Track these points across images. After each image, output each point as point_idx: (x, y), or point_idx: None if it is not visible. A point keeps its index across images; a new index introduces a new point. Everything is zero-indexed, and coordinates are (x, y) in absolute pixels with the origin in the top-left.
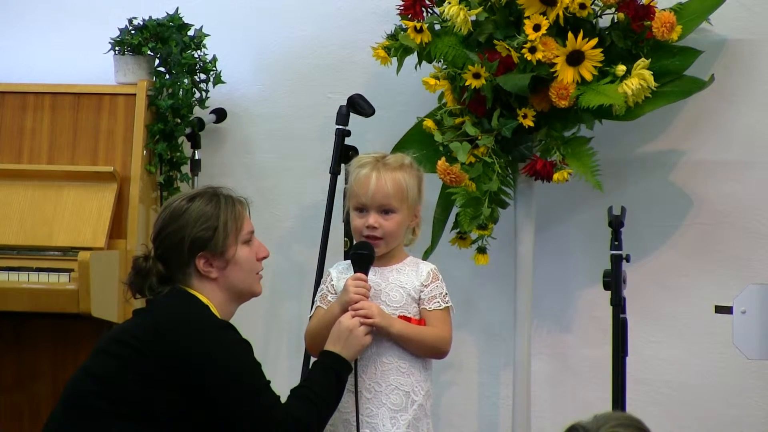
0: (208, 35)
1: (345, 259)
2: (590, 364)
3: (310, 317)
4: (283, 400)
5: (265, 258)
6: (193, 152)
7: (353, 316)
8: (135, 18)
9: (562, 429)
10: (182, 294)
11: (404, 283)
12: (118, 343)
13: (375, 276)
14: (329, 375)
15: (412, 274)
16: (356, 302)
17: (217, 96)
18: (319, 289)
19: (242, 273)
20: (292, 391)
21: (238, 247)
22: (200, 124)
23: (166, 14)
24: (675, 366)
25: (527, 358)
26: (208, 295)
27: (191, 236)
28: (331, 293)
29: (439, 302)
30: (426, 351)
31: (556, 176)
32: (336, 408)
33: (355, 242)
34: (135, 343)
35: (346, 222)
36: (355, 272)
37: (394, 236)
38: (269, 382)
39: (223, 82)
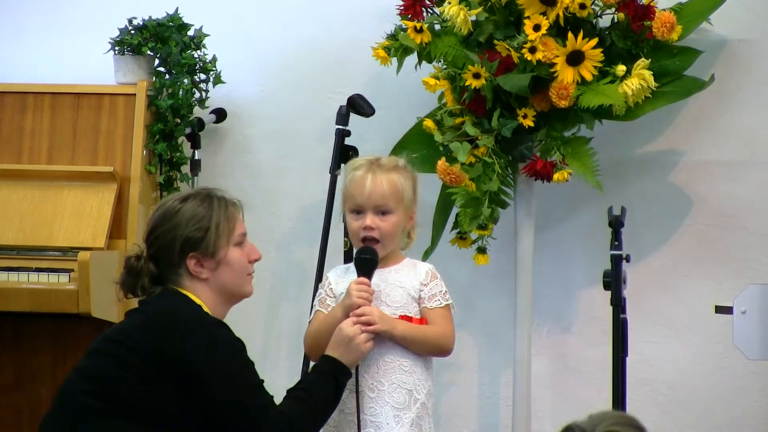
0: (208, 35)
1: (345, 259)
2: (590, 364)
3: (310, 321)
4: (280, 400)
5: (257, 260)
6: (193, 152)
7: (355, 323)
8: (135, 18)
9: (558, 429)
10: (174, 294)
11: (404, 283)
12: (111, 342)
13: (375, 278)
14: (327, 379)
15: (411, 274)
16: (359, 306)
17: (216, 96)
18: (317, 294)
19: (233, 274)
20: (288, 391)
21: (230, 249)
22: (200, 124)
23: (166, 14)
24: (675, 366)
25: (527, 358)
26: (199, 295)
27: (183, 236)
28: (330, 297)
29: (439, 300)
30: (430, 350)
31: (556, 176)
32: (332, 413)
33: (352, 244)
34: (128, 342)
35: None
36: (358, 276)
37: (390, 237)
38: (262, 381)
39: (222, 82)
